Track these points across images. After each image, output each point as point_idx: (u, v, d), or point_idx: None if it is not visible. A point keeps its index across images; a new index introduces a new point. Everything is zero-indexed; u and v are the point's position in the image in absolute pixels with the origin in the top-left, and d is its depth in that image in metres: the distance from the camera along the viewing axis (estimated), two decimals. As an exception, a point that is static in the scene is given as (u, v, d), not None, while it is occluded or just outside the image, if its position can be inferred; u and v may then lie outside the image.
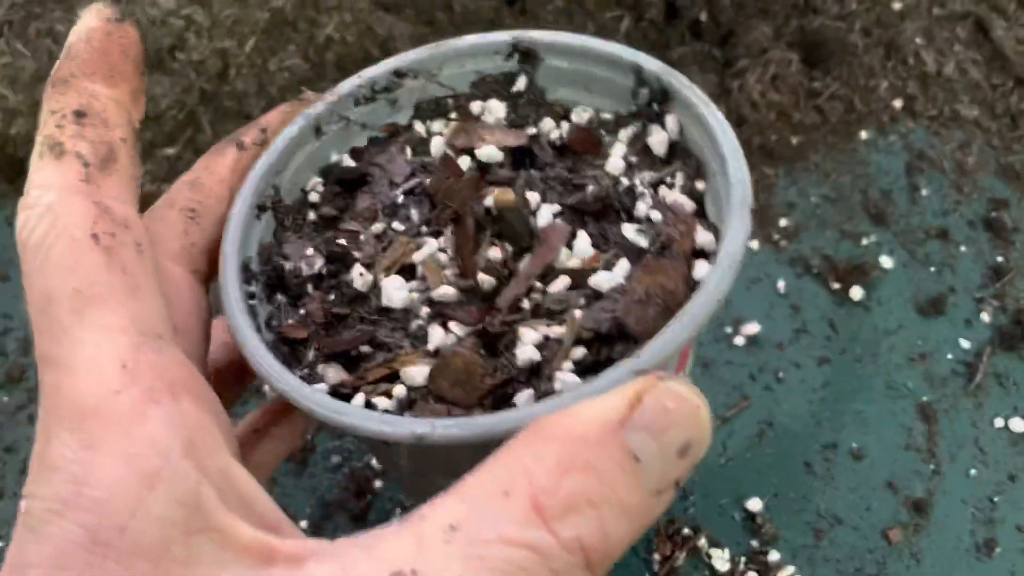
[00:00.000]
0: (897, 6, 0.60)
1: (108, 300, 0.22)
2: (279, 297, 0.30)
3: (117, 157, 0.24)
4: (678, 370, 0.30)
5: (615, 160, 0.31)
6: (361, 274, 0.29)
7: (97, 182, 0.23)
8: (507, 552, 0.19)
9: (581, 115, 0.33)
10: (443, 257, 0.30)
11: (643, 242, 0.29)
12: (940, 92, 0.58)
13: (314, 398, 0.25)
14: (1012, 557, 0.42)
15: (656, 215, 0.30)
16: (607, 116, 0.33)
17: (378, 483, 0.45)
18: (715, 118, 0.29)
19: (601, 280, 0.28)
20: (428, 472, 0.30)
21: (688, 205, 0.30)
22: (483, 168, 0.32)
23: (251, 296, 0.29)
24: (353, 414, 0.25)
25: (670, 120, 0.31)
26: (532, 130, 0.33)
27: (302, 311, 0.29)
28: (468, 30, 0.57)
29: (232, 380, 0.31)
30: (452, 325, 0.28)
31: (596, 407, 0.20)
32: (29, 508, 0.20)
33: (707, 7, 0.59)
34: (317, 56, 0.57)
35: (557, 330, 0.27)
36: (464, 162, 0.32)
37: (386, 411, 0.26)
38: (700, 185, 0.30)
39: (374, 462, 0.46)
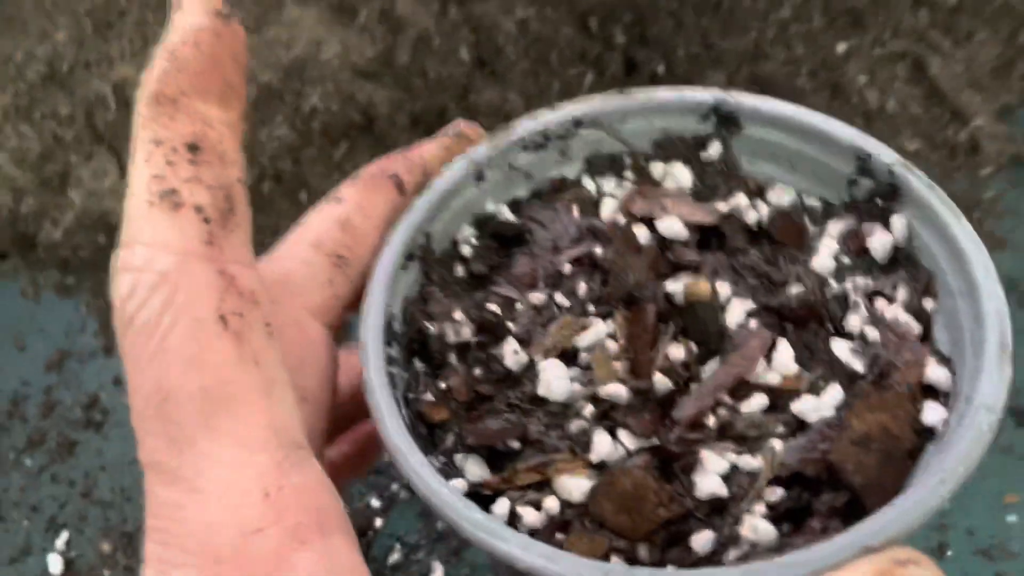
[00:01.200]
0: (841, 48, 0.65)
1: (242, 404, 0.18)
2: (418, 364, 0.27)
3: (236, 207, 0.20)
4: None
5: (824, 258, 0.27)
6: (516, 352, 0.26)
7: (220, 243, 0.19)
8: None
9: (781, 196, 0.29)
10: (612, 345, 0.26)
11: (858, 365, 0.25)
12: (884, 127, 0.62)
13: (472, 518, 0.21)
14: (963, 560, 0.45)
15: (872, 333, 0.25)
16: (812, 202, 0.29)
17: (379, 521, 0.48)
18: (963, 229, 0.25)
19: (807, 408, 0.24)
20: None
21: (914, 327, 0.25)
22: (663, 244, 0.28)
23: (390, 360, 0.25)
24: (516, 542, 0.21)
25: (897, 221, 0.27)
26: (722, 206, 0.29)
27: (443, 384, 0.26)
28: (442, 95, 0.62)
29: (342, 418, 0.28)
30: (621, 434, 0.24)
31: None
32: None
33: (664, 60, 0.64)
34: (304, 125, 0.61)
35: (748, 460, 0.23)
36: (641, 233, 0.28)
37: (534, 532, 0.23)
38: (929, 304, 0.26)
39: (374, 501, 0.48)
